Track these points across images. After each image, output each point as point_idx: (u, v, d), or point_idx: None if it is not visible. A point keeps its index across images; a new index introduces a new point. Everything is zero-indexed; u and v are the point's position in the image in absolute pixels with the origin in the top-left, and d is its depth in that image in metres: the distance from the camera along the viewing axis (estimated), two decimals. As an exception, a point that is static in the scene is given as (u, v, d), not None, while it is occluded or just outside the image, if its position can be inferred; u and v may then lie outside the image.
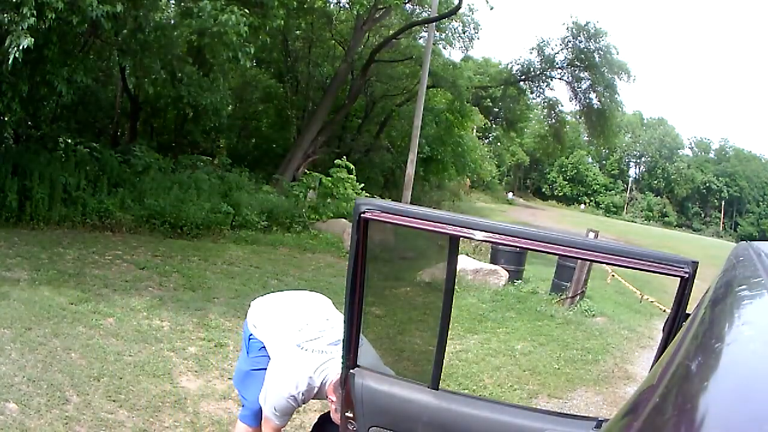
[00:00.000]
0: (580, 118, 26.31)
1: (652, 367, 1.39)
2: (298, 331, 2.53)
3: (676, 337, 1.06)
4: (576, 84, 23.27)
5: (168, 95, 11.92)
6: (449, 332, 2.17)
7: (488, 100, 26.94)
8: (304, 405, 2.62)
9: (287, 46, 17.22)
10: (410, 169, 13.88)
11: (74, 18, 7.11)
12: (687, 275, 1.68)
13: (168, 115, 14.25)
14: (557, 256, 7.36)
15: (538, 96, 25.24)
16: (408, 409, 2.07)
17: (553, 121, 26.69)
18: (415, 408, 2.05)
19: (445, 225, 1.83)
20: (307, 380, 2.40)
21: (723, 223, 61.64)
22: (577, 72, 22.83)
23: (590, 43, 22.09)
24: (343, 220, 11.55)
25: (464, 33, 20.38)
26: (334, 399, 2.34)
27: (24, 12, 6.55)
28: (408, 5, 17.05)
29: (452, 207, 23.56)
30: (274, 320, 2.66)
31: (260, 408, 2.56)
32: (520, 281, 9.18)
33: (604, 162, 61.44)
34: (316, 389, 2.43)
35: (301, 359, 2.43)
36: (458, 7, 15.21)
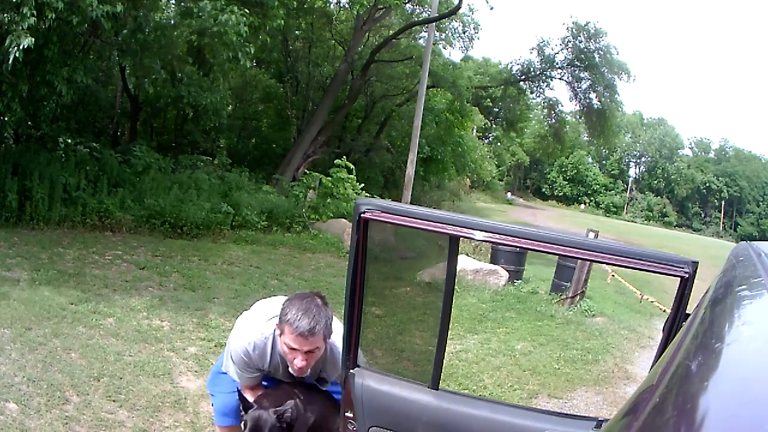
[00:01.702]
0: (580, 118, 26.32)
1: (652, 367, 1.39)
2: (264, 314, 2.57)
3: (676, 337, 1.06)
4: (576, 84, 23.27)
5: (168, 95, 11.92)
6: (449, 332, 2.17)
7: (488, 100, 26.94)
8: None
9: (287, 46, 17.22)
10: (410, 169, 13.89)
11: (74, 18, 7.12)
12: (687, 275, 1.68)
13: (168, 115, 14.26)
14: (557, 256, 7.36)
15: (538, 96, 25.25)
16: (408, 409, 2.07)
17: (553, 121, 26.69)
18: (415, 408, 2.05)
19: (445, 225, 1.83)
20: (261, 336, 2.37)
21: (723, 223, 61.66)
22: (577, 72, 22.82)
23: (590, 43, 22.09)
24: (343, 220, 11.54)
25: (464, 33, 20.39)
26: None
27: (24, 12, 6.55)
28: (408, 5, 17.06)
29: (452, 207, 23.57)
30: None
31: (227, 405, 2.55)
32: (520, 281, 9.18)
33: (604, 162, 61.46)
34: (269, 348, 2.38)
35: (258, 322, 2.46)
36: (458, 7, 15.21)
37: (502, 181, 47.45)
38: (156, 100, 12.56)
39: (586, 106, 23.97)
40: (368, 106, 18.65)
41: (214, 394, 2.70)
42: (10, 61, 6.69)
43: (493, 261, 9.59)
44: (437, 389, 2.07)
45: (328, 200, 12.49)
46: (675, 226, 56.72)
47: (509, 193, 46.98)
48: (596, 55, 22.18)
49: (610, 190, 60.06)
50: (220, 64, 10.70)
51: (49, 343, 4.29)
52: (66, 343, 4.33)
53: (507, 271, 9.07)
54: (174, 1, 11.11)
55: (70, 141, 10.31)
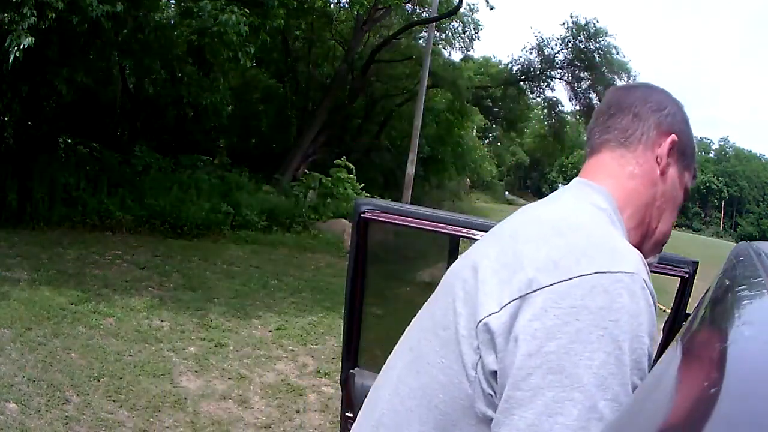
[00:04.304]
0: (580, 118, 26.30)
1: (652, 367, 1.38)
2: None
3: (676, 337, 1.06)
4: (576, 84, 23.27)
5: (168, 95, 11.92)
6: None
7: (488, 100, 26.91)
8: (303, 406, 2.49)
9: (287, 46, 17.22)
10: (410, 169, 13.88)
11: (74, 18, 7.12)
12: (687, 275, 1.68)
13: (168, 115, 14.24)
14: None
15: (538, 96, 25.26)
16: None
17: (553, 121, 26.69)
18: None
19: (445, 225, 1.83)
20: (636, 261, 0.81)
21: (723, 223, 61.69)
22: (577, 72, 22.83)
23: (590, 43, 22.10)
24: (343, 220, 11.54)
25: (464, 33, 20.40)
26: None
27: (24, 12, 6.55)
28: (408, 5, 17.05)
29: (452, 207, 23.54)
30: None
31: None
32: (520, 281, 9.16)
33: (604, 162, 61.43)
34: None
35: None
36: (458, 7, 15.22)
37: (502, 181, 47.45)
38: (156, 100, 12.56)
39: (586, 106, 23.95)
40: (368, 106, 18.64)
41: None
42: (10, 61, 6.69)
43: (493, 261, 9.57)
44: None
45: (328, 200, 12.48)
46: (675, 226, 56.56)
47: (507, 193, 47.00)
48: (596, 55, 22.20)
49: (610, 190, 60.04)
50: (220, 64, 10.70)
51: (49, 343, 4.28)
52: (66, 343, 4.33)
53: (507, 271, 9.05)
54: (174, 1, 11.10)
55: (70, 141, 10.31)
